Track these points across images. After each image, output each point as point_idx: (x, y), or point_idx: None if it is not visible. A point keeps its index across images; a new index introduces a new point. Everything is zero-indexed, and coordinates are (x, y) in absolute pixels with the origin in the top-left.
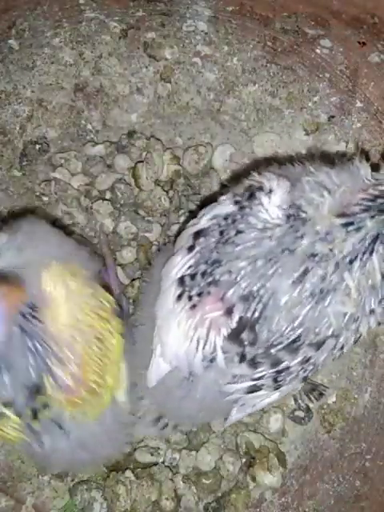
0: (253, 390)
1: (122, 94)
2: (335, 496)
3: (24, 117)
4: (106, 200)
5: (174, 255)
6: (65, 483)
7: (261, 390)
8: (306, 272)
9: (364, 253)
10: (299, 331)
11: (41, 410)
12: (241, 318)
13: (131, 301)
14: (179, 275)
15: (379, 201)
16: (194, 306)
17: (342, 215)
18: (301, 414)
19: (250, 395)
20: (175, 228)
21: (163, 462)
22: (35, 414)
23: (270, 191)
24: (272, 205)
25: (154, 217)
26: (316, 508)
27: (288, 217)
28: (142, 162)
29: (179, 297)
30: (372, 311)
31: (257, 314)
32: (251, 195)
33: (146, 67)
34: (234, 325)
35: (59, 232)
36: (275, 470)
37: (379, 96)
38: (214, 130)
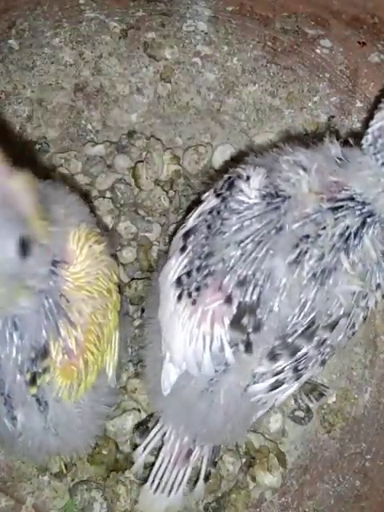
0: (275, 386)
1: (122, 94)
2: (335, 496)
3: (24, 117)
4: (107, 198)
5: (168, 260)
6: (65, 483)
7: (283, 384)
8: (301, 254)
9: (356, 235)
10: (312, 315)
11: (40, 374)
12: (240, 304)
13: (129, 300)
14: (176, 277)
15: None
16: (194, 302)
17: (329, 199)
18: (301, 413)
19: (273, 392)
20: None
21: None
22: (34, 379)
23: (248, 178)
24: (251, 188)
25: (154, 217)
26: (316, 508)
27: (264, 196)
28: (141, 161)
29: (179, 297)
30: (378, 286)
31: (255, 297)
32: (231, 185)
33: (146, 67)
34: (234, 311)
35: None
36: (275, 469)
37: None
38: (214, 130)
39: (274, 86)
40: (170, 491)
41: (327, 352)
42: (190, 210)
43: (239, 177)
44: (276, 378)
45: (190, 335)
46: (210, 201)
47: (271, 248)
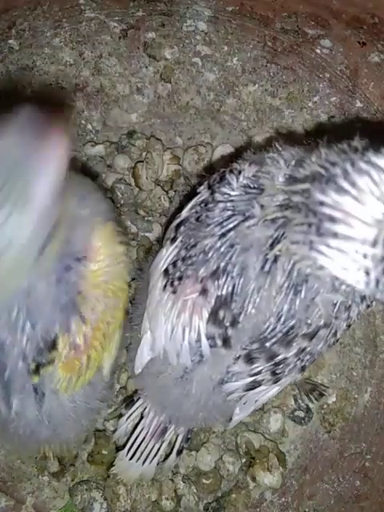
0: (253, 386)
1: (122, 94)
2: (335, 496)
3: None
4: (107, 198)
5: (160, 250)
6: (65, 483)
7: (261, 385)
8: (270, 256)
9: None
10: (292, 323)
11: (45, 365)
12: (217, 297)
13: (129, 300)
14: (164, 267)
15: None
16: (175, 291)
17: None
18: (301, 413)
19: (251, 392)
20: None
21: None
22: (37, 369)
23: (239, 172)
24: (238, 181)
25: (154, 217)
26: (316, 508)
27: (244, 186)
28: (141, 161)
29: (164, 286)
30: (363, 298)
31: (229, 290)
32: (221, 178)
33: (146, 67)
34: (212, 304)
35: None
36: (275, 469)
37: (379, 96)
38: (214, 130)
39: (274, 86)
40: (144, 461)
41: (307, 359)
42: None
43: (231, 171)
44: (253, 378)
45: (171, 325)
46: (203, 193)
47: (243, 242)
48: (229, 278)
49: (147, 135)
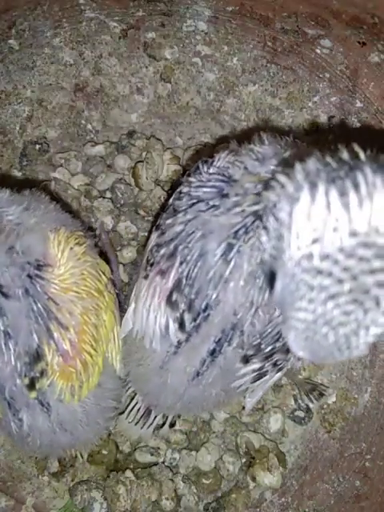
0: (258, 377)
1: (122, 94)
2: (335, 496)
3: (24, 117)
4: (107, 198)
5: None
6: (65, 483)
7: (266, 375)
8: (231, 249)
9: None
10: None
11: (38, 378)
12: (173, 280)
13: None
14: (146, 254)
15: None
16: (146, 276)
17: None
18: (301, 413)
19: (258, 382)
20: None
21: (163, 462)
22: (33, 384)
23: (212, 162)
24: (208, 171)
25: (154, 217)
26: (316, 508)
27: (211, 174)
28: (141, 161)
29: (143, 271)
30: None
31: (184, 274)
32: (196, 168)
33: (146, 67)
34: (169, 287)
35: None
36: (275, 469)
37: (379, 96)
38: (214, 130)
39: (274, 86)
40: (142, 426)
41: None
42: None
43: (205, 161)
44: (257, 373)
45: (145, 310)
46: (183, 183)
47: (203, 228)
48: (184, 261)
49: (147, 135)
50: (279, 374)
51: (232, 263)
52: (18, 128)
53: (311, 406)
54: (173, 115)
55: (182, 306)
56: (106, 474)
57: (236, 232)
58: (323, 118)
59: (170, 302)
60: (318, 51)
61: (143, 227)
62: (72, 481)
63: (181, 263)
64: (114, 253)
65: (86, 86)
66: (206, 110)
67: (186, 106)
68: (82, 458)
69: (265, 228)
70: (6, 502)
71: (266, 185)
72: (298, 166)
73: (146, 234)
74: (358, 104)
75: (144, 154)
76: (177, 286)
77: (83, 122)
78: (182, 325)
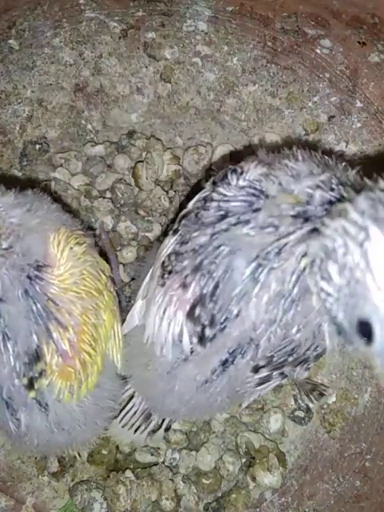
0: (263, 382)
1: (122, 94)
2: (335, 496)
3: (24, 117)
4: (107, 198)
5: (166, 238)
6: (65, 483)
7: (270, 381)
8: (261, 269)
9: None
10: (298, 350)
11: (37, 378)
12: (196, 294)
13: (129, 299)
14: (162, 258)
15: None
16: (163, 285)
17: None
18: (301, 413)
19: (261, 386)
20: None
21: (163, 462)
22: (31, 384)
23: (242, 172)
24: (238, 182)
25: (154, 217)
26: (316, 508)
27: (243, 187)
28: (141, 161)
29: (159, 278)
30: None
31: (210, 289)
32: (224, 176)
33: (146, 67)
34: (191, 301)
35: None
36: (275, 469)
37: (379, 96)
38: (214, 130)
39: (274, 86)
40: (136, 431)
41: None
42: None
43: (235, 170)
44: (262, 380)
45: (158, 318)
46: (207, 189)
47: (232, 244)
48: (210, 277)
49: (147, 135)
50: (283, 381)
51: (260, 283)
52: (17, 128)
53: (311, 405)
54: (173, 115)
55: (204, 321)
56: (106, 474)
57: (267, 253)
58: (323, 118)
59: (192, 317)
60: (318, 51)
61: (143, 227)
62: (72, 481)
63: (205, 277)
64: (113, 253)
65: (86, 86)
66: (206, 109)
67: (186, 106)
68: (82, 457)
69: (324, 278)
70: (5, 502)
71: (313, 231)
72: (349, 206)
73: (146, 233)
74: (358, 104)
75: (144, 153)
76: (200, 300)
77: (83, 122)
78: (201, 339)
